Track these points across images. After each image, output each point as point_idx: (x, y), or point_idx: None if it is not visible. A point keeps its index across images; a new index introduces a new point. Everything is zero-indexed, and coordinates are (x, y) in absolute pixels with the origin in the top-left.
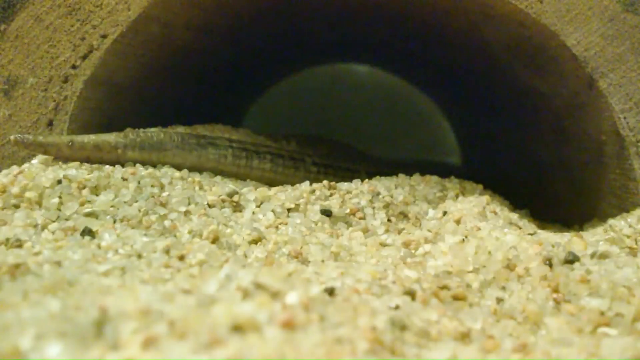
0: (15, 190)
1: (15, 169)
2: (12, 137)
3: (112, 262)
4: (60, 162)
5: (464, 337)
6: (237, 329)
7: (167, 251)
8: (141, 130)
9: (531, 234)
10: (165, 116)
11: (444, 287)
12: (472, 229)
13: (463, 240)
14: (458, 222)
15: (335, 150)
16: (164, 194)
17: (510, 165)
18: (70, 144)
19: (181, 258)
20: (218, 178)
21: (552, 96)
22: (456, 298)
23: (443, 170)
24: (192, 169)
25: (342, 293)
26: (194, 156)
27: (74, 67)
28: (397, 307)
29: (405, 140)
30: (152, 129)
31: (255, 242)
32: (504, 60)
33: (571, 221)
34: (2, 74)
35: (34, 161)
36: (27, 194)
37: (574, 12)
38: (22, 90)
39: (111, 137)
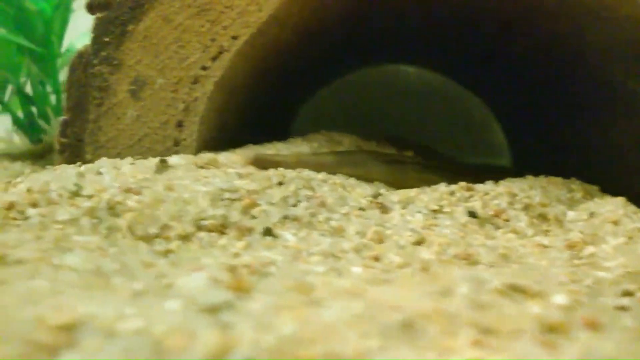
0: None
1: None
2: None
3: (320, 263)
4: (209, 168)
5: None
6: (551, 329)
7: (357, 251)
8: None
9: None
10: (256, 115)
11: None
12: (633, 230)
13: (628, 241)
14: (616, 223)
15: (438, 156)
16: (318, 195)
17: (586, 167)
18: (298, 161)
19: (376, 259)
20: (352, 180)
21: None
22: None
23: (511, 174)
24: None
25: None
26: (386, 171)
27: (204, 68)
28: (625, 308)
29: (457, 142)
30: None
31: (418, 243)
32: (597, 62)
33: None
34: (130, 74)
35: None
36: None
37: None
38: (151, 91)
39: (328, 157)
